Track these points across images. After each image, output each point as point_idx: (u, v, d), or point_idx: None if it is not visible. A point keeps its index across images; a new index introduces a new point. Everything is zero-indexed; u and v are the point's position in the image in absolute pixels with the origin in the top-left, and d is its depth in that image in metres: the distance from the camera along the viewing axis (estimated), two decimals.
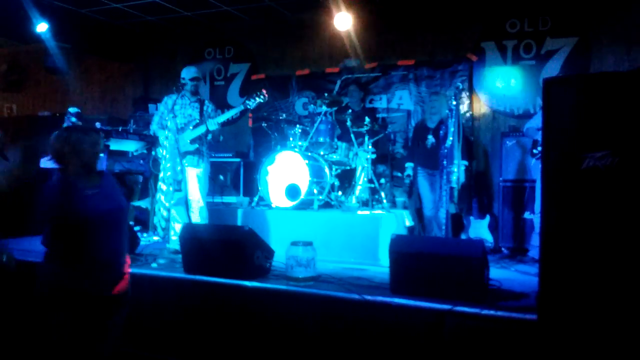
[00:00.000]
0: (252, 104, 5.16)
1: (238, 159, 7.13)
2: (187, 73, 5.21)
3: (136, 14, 7.70)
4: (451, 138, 4.70)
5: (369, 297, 3.44)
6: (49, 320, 2.63)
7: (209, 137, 5.18)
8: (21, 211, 6.33)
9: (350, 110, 6.27)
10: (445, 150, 4.79)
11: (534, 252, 5.19)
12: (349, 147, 6.01)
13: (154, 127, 5.31)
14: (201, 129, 5.05)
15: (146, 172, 6.21)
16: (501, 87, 6.58)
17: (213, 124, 5.03)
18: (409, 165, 5.77)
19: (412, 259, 3.55)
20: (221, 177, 7.01)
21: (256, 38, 7.96)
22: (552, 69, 6.28)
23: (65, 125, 6.33)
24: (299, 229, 5.16)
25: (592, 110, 2.54)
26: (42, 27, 6.97)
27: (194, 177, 5.12)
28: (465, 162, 5.51)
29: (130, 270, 2.86)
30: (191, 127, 5.09)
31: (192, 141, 5.07)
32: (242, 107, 5.26)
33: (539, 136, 5.07)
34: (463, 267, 3.38)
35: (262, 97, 5.15)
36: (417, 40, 6.98)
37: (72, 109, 6.49)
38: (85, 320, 2.63)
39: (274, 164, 5.66)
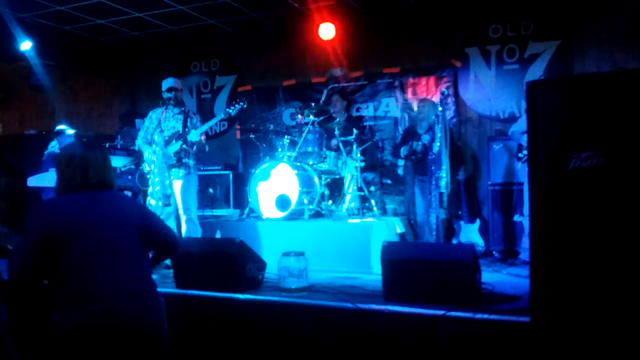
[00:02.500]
0: (233, 111, 5.22)
1: (227, 172, 7.12)
2: (164, 84, 5.22)
3: (121, 29, 7.70)
4: (438, 144, 4.73)
5: (362, 306, 3.43)
6: None
7: (194, 148, 5.17)
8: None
9: (337, 119, 6.30)
10: (433, 156, 4.82)
11: (524, 254, 5.21)
12: (337, 156, 6.02)
13: (138, 142, 5.29)
14: (181, 141, 5.04)
15: (134, 187, 6.17)
16: (486, 92, 6.63)
17: (195, 135, 5.03)
18: (403, 151, 5.76)
19: (404, 265, 3.55)
20: (211, 190, 6.99)
21: (241, 50, 7.98)
22: (536, 72, 6.34)
23: (59, 145, 6.31)
24: (291, 239, 5.15)
25: (576, 111, 2.57)
26: (26, 45, 6.94)
27: (179, 189, 5.11)
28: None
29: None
30: (174, 140, 5.09)
31: (175, 153, 5.06)
32: (222, 116, 5.31)
33: (524, 140, 5.11)
34: (455, 271, 3.39)
35: (242, 104, 5.22)
36: (402, 47, 7.03)
37: (68, 129, 6.45)
38: None
39: (268, 179, 5.66)
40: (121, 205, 2.40)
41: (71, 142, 2.34)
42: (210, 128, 6.54)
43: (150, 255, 2.58)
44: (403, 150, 5.73)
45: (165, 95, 5.15)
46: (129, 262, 2.32)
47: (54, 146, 6.45)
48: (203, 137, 5.15)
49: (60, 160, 2.40)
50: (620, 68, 5.75)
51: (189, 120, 5.18)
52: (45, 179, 5.28)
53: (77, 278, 2.19)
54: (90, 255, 2.23)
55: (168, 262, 4.64)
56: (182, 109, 5.28)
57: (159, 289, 4.06)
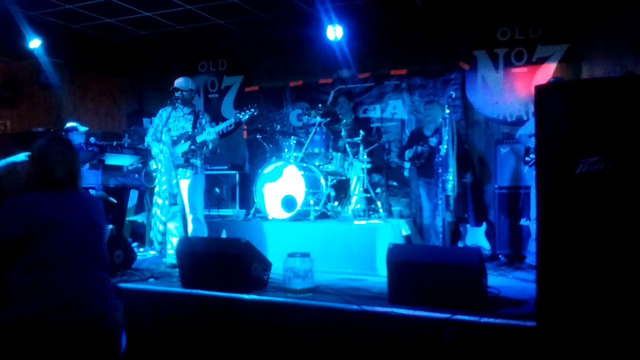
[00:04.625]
0: (243, 116, 5.23)
1: (234, 171, 7.13)
2: (176, 83, 5.23)
3: (129, 28, 7.73)
4: (445, 146, 4.72)
5: (367, 308, 3.43)
6: None
7: (205, 149, 5.18)
8: None
9: (344, 121, 6.30)
10: (440, 159, 4.81)
11: (531, 258, 5.19)
12: (344, 157, 6.02)
13: (148, 139, 5.31)
14: (190, 142, 5.05)
15: (141, 186, 6.20)
16: (494, 95, 6.62)
17: (212, 133, 5.03)
18: (407, 154, 5.74)
19: (410, 268, 3.55)
20: (217, 190, 7.00)
21: (249, 50, 7.99)
22: (544, 75, 6.31)
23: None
24: (296, 240, 5.15)
25: (584, 116, 2.56)
26: (35, 43, 6.99)
27: (186, 188, 5.12)
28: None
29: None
30: (183, 140, 5.10)
31: (183, 154, 5.07)
32: (233, 120, 5.32)
33: (531, 143, 5.10)
34: (461, 275, 3.38)
35: (253, 110, 5.24)
36: (410, 49, 7.03)
37: (80, 127, 6.48)
38: None
39: (274, 180, 5.66)
40: (91, 205, 2.44)
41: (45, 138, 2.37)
42: None
43: None
44: (408, 154, 5.73)
45: (175, 94, 5.17)
46: (94, 261, 2.37)
47: None
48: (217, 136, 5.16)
49: (34, 155, 2.42)
50: (629, 72, 5.72)
51: (198, 121, 5.19)
52: None
53: (44, 272, 2.22)
54: (59, 251, 2.26)
55: (174, 261, 4.65)
56: (193, 109, 5.29)
57: (165, 288, 4.09)
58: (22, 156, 2.86)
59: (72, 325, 2.18)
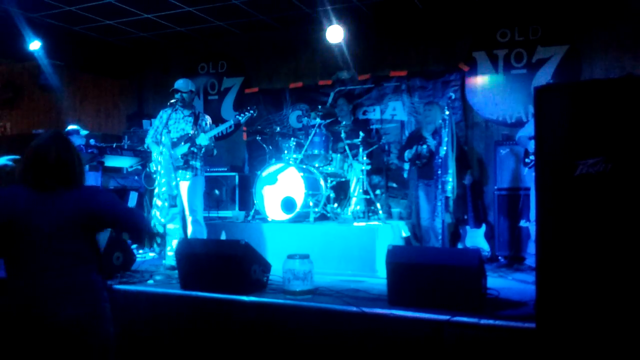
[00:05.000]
0: (242, 118, 5.26)
1: (233, 173, 7.13)
2: (176, 85, 5.23)
3: (129, 30, 7.73)
4: (445, 148, 4.72)
5: (367, 310, 3.43)
6: None
7: (202, 151, 5.19)
8: None
9: (344, 122, 6.30)
10: (440, 160, 4.81)
11: (530, 260, 5.19)
12: (343, 159, 6.02)
13: (148, 141, 5.31)
14: (189, 144, 5.06)
15: (141, 188, 6.19)
16: (493, 96, 6.62)
17: (204, 139, 5.05)
18: (407, 155, 5.75)
19: (409, 269, 3.55)
20: (217, 192, 7.00)
21: (249, 52, 8.00)
22: (543, 77, 6.32)
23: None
24: (296, 242, 5.15)
25: (583, 117, 2.56)
26: (35, 45, 6.99)
27: (185, 190, 5.12)
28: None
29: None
30: (183, 142, 5.10)
31: (183, 155, 5.07)
32: (232, 122, 5.33)
33: (530, 145, 5.10)
34: (460, 276, 3.38)
35: (252, 112, 5.28)
36: (409, 51, 7.03)
37: (81, 130, 6.48)
38: None
39: (274, 182, 5.66)
40: (67, 204, 2.35)
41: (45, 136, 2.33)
42: None
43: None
44: (407, 154, 5.72)
45: (175, 96, 5.18)
46: (60, 260, 2.34)
47: None
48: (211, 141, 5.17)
49: (29, 152, 2.39)
50: (629, 74, 5.72)
51: (198, 123, 5.19)
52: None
53: (11, 266, 2.33)
54: (22, 249, 2.31)
55: (173, 262, 4.65)
56: (193, 111, 5.29)
57: (164, 290, 4.07)
58: (3, 159, 2.87)
59: (22, 323, 2.27)
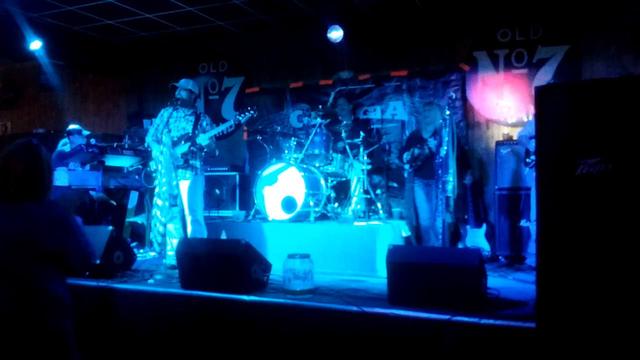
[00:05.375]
0: (243, 118, 5.26)
1: (234, 173, 7.13)
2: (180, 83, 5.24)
3: (130, 30, 7.74)
4: (445, 147, 4.72)
5: (367, 309, 3.42)
6: None
7: (204, 151, 5.18)
8: None
9: (344, 122, 6.30)
10: (440, 160, 4.81)
11: (531, 260, 5.19)
12: (344, 159, 6.02)
13: (148, 140, 5.31)
14: (189, 143, 5.06)
15: (141, 187, 6.19)
16: (494, 96, 6.61)
17: (204, 139, 5.04)
18: (405, 157, 5.74)
19: (410, 269, 3.54)
20: (217, 191, 7.00)
21: (249, 52, 8.00)
22: (544, 76, 6.32)
23: (70, 144, 6.35)
24: (296, 241, 5.14)
25: (584, 117, 2.55)
26: (36, 44, 7.00)
27: (186, 190, 5.12)
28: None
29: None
30: (183, 141, 5.10)
31: (183, 155, 5.07)
32: (232, 122, 5.33)
33: (530, 145, 5.09)
34: (461, 276, 3.38)
35: (252, 112, 5.28)
36: (410, 51, 7.03)
37: (83, 131, 6.48)
38: None
39: (274, 181, 5.66)
40: (26, 221, 2.22)
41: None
42: None
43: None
44: (406, 156, 5.73)
45: (175, 94, 5.18)
46: (10, 280, 2.20)
47: (64, 144, 6.48)
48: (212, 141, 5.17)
49: None
50: (630, 74, 5.72)
51: (199, 122, 5.19)
52: (54, 178, 5.30)
53: None
54: None
55: (174, 262, 4.65)
56: (194, 110, 5.29)
57: (165, 290, 4.07)
58: None
59: None
